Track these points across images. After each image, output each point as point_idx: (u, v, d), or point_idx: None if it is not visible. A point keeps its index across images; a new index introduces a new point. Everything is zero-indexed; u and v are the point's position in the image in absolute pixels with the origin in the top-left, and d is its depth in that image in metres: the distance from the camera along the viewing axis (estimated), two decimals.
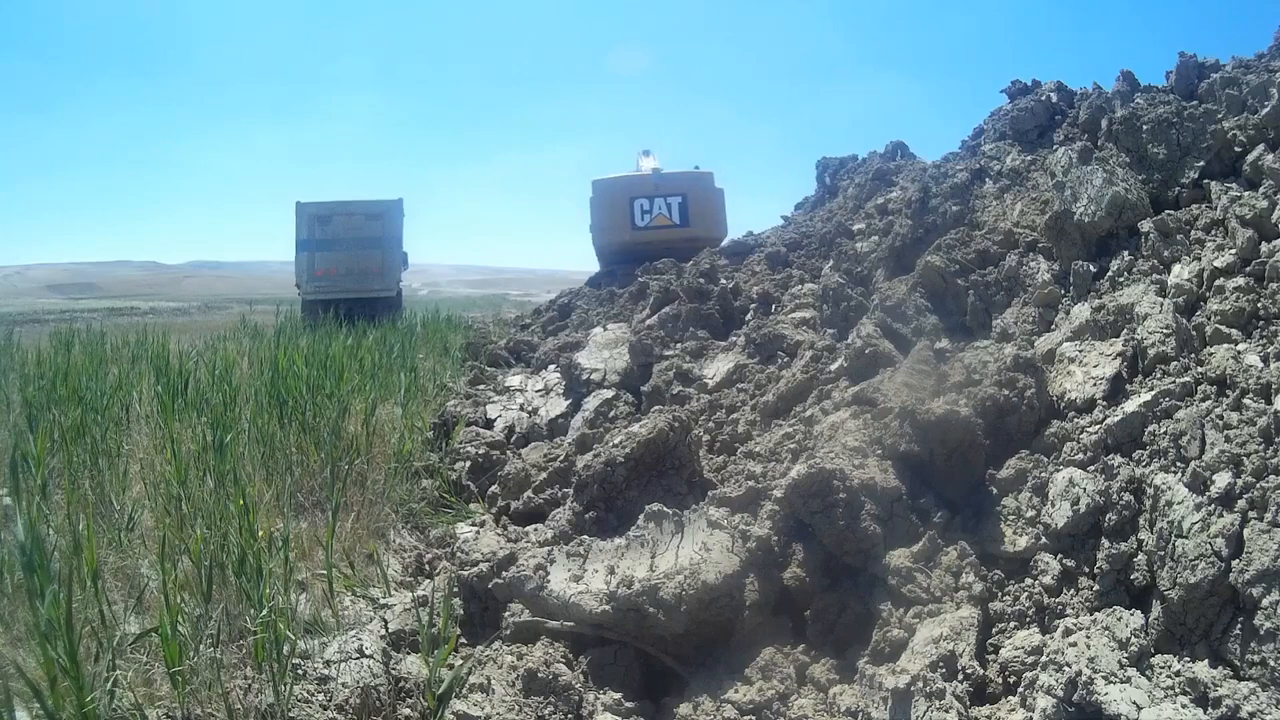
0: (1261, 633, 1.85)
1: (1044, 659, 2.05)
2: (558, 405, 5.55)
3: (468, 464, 4.60)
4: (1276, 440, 2.13)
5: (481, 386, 6.71)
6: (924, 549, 2.54)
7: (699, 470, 3.53)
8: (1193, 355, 2.70)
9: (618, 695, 2.35)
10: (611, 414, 4.97)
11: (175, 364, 5.31)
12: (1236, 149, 3.58)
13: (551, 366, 6.44)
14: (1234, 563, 1.95)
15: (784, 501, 2.75)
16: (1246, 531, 1.98)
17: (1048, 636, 2.19)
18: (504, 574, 2.78)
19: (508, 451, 4.80)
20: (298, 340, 7.58)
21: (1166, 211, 3.55)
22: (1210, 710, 1.82)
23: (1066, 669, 1.96)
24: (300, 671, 2.32)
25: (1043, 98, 5.53)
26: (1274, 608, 1.84)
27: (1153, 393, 2.56)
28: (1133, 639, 2.02)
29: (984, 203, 4.94)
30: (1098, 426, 2.66)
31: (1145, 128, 3.91)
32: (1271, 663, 1.82)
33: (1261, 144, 3.43)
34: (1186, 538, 2.06)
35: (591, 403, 5.15)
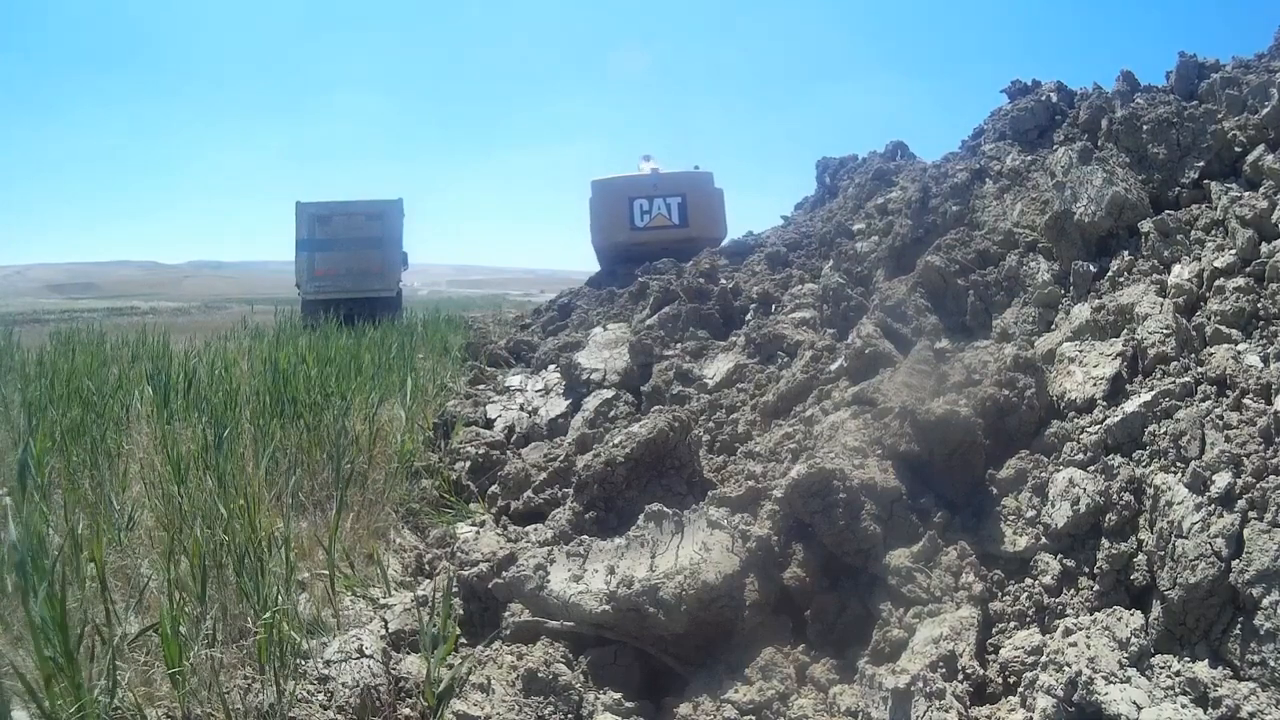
0: (1261, 633, 1.85)
1: (1044, 659, 2.05)
2: (558, 405, 5.55)
3: (468, 464, 4.59)
4: (1276, 440, 2.13)
5: (481, 386, 6.71)
6: (924, 549, 2.54)
7: (699, 470, 3.53)
8: (1193, 355, 2.70)
9: (618, 695, 2.35)
10: (611, 414, 4.97)
11: (175, 364, 5.31)
12: (1236, 149, 3.58)
13: (551, 366, 6.43)
14: (1234, 563, 1.96)
15: (784, 501, 2.75)
16: (1246, 531, 1.98)
17: (1048, 636, 2.19)
18: (504, 574, 2.78)
19: (508, 451, 4.80)
20: (297, 340, 7.58)
21: (1166, 211, 3.55)
22: (1210, 710, 1.82)
23: (1066, 669, 1.96)
24: (300, 671, 2.32)
25: (1043, 98, 5.52)
26: (1274, 608, 1.84)
27: (1153, 393, 2.56)
28: (1133, 639, 2.02)
29: (984, 203, 4.94)
30: (1098, 426, 2.66)
31: (1145, 128, 3.91)
32: (1271, 663, 1.82)
33: (1261, 144, 3.43)
34: (1186, 538, 2.06)
35: (591, 403, 5.15)
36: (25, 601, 1.75)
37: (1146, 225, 3.49)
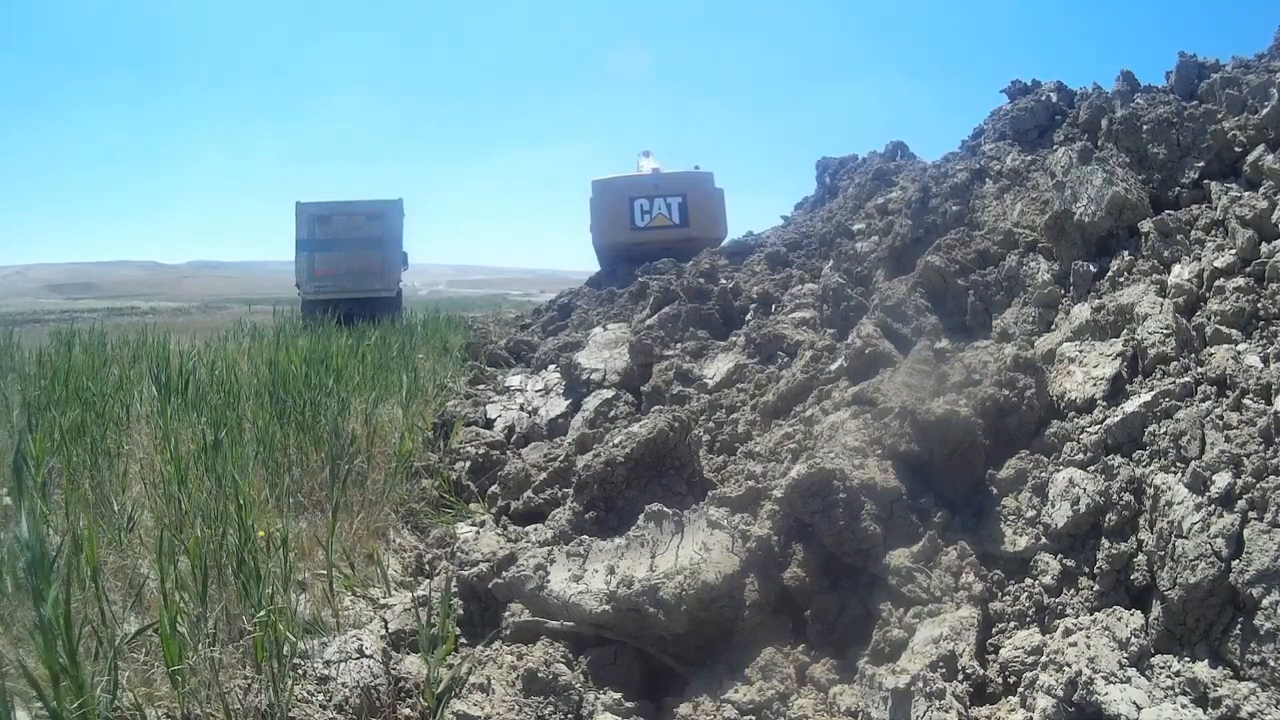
0: (1261, 633, 1.85)
1: (1044, 659, 2.05)
2: (558, 405, 5.55)
3: (468, 464, 4.60)
4: (1276, 440, 2.13)
5: (481, 386, 6.71)
6: (924, 549, 2.54)
7: (699, 470, 3.53)
8: (1193, 355, 2.70)
9: (618, 695, 2.35)
10: (611, 414, 4.97)
11: (175, 364, 5.30)
12: (1236, 149, 3.58)
13: (551, 366, 6.44)
14: (1234, 563, 1.96)
15: (784, 501, 2.75)
16: (1246, 531, 1.98)
17: (1048, 636, 2.19)
18: (504, 574, 2.78)
19: (508, 451, 4.80)
20: (296, 340, 7.57)
21: (1166, 211, 3.55)
22: (1210, 710, 1.82)
23: (1066, 669, 1.96)
24: (300, 671, 2.32)
25: (1043, 98, 5.52)
26: (1274, 608, 1.84)
27: (1153, 393, 2.56)
28: (1133, 639, 2.02)
29: (984, 203, 4.94)
30: (1098, 426, 2.66)
31: (1145, 128, 3.91)
32: (1271, 663, 1.82)
33: (1261, 144, 3.43)
34: (1186, 538, 2.06)
35: (591, 403, 5.15)
36: (36, 601, 1.75)
37: (1146, 225, 3.49)
